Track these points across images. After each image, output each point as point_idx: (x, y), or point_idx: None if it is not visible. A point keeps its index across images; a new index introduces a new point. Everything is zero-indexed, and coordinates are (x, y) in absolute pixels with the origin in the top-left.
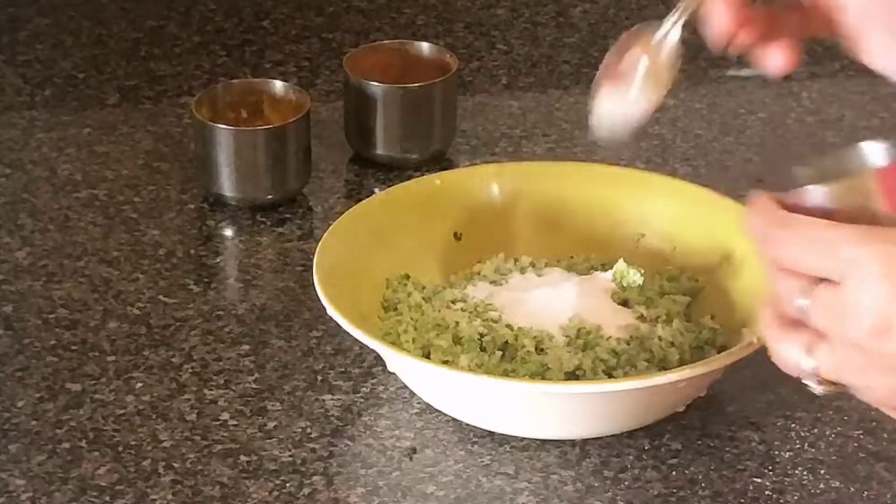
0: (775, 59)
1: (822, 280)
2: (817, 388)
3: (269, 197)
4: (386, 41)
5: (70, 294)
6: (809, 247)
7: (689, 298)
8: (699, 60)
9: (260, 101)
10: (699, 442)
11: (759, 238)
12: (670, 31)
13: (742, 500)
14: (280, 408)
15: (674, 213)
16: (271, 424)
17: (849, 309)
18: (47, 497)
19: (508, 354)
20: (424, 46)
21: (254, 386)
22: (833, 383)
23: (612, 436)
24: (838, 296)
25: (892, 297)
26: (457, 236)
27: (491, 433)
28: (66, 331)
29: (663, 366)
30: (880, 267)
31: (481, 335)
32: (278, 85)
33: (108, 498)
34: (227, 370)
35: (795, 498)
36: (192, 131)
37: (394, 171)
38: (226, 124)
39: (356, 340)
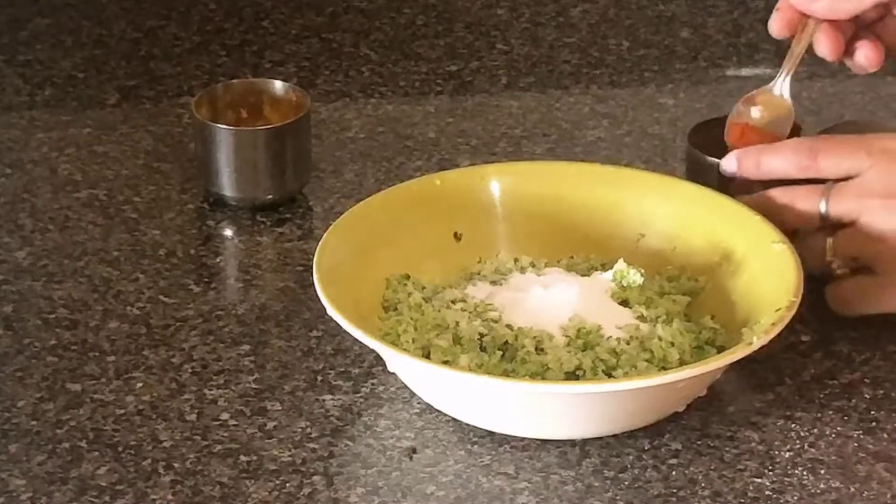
0: (860, 55)
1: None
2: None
3: (269, 197)
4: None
5: (70, 294)
6: (839, 153)
7: (689, 298)
8: (699, 60)
9: (260, 101)
10: (699, 442)
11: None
12: (783, 85)
13: (742, 500)
14: (280, 408)
15: (674, 213)
16: (271, 424)
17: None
18: (47, 497)
19: (508, 354)
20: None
21: (254, 386)
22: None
23: (612, 436)
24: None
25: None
26: (457, 236)
27: (491, 433)
28: (66, 331)
29: (663, 366)
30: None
31: (481, 335)
32: (278, 85)
33: (108, 498)
34: (227, 370)
35: (795, 498)
36: (192, 131)
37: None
38: (226, 124)
39: (356, 340)
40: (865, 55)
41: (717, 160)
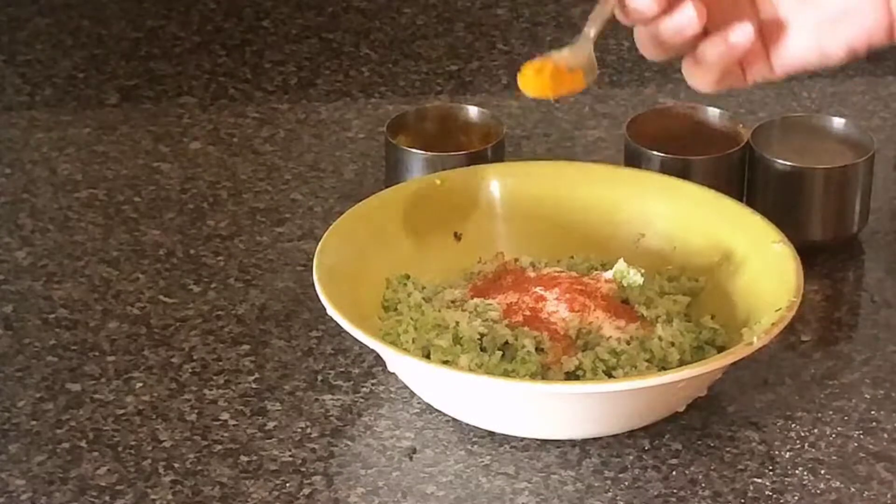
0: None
1: None
2: None
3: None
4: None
5: (70, 294)
6: None
7: (689, 298)
8: None
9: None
10: (699, 442)
11: None
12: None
13: (742, 500)
14: (280, 408)
15: (674, 213)
16: (271, 424)
17: None
18: (47, 497)
19: (508, 354)
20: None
21: (254, 386)
22: None
23: (612, 436)
24: None
25: None
26: (457, 236)
27: (491, 433)
28: (66, 331)
29: (663, 366)
30: None
31: (481, 335)
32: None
33: (108, 498)
34: (227, 370)
35: (795, 498)
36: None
37: None
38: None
39: (356, 340)
40: (688, 15)
41: (654, 152)
